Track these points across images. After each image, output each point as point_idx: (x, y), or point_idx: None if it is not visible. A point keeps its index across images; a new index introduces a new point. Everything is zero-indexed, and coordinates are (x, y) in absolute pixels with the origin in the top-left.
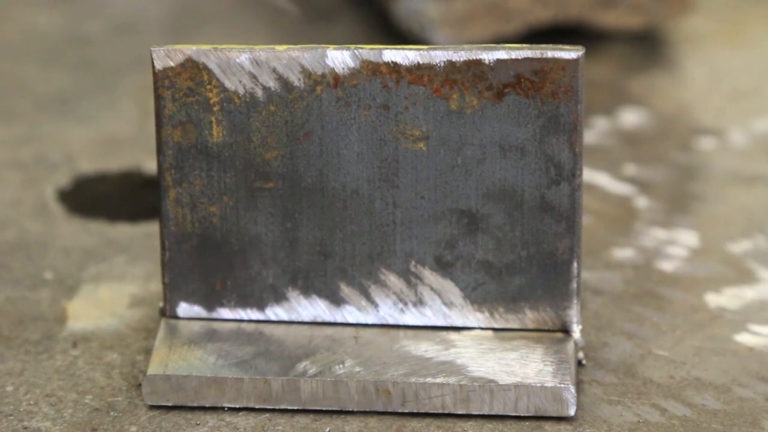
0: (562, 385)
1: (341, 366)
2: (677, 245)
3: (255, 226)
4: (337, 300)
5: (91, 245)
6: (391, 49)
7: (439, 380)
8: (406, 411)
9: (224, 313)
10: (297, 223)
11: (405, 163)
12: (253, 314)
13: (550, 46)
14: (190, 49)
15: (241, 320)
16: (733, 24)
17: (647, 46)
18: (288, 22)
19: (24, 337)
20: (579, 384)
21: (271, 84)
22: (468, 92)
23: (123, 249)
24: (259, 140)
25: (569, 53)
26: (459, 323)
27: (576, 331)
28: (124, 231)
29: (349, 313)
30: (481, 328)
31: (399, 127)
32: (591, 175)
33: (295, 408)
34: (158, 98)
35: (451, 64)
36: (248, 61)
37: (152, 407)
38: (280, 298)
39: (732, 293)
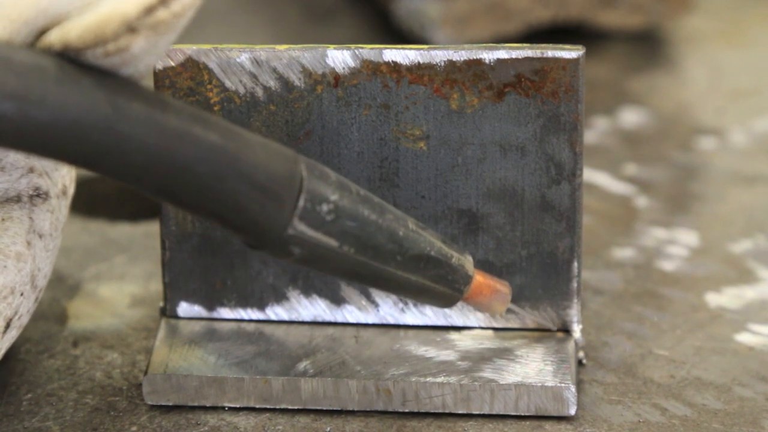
0: (563, 385)
1: (342, 366)
2: (677, 245)
3: None
4: (337, 299)
5: (91, 245)
6: (391, 48)
7: (439, 380)
8: (407, 410)
9: (225, 312)
10: None
11: (405, 163)
12: (253, 314)
13: (551, 45)
14: (190, 49)
15: (242, 320)
16: (733, 24)
17: (647, 46)
18: (288, 21)
19: (24, 336)
20: (579, 383)
21: (272, 84)
22: (468, 92)
23: (123, 248)
24: None
25: (569, 53)
26: (459, 323)
27: (576, 330)
28: (124, 231)
29: (350, 313)
30: (482, 328)
31: (399, 126)
32: (591, 175)
33: (296, 407)
34: None
35: (451, 63)
36: (248, 61)
37: (152, 407)
38: (280, 297)
39: (732, 293)
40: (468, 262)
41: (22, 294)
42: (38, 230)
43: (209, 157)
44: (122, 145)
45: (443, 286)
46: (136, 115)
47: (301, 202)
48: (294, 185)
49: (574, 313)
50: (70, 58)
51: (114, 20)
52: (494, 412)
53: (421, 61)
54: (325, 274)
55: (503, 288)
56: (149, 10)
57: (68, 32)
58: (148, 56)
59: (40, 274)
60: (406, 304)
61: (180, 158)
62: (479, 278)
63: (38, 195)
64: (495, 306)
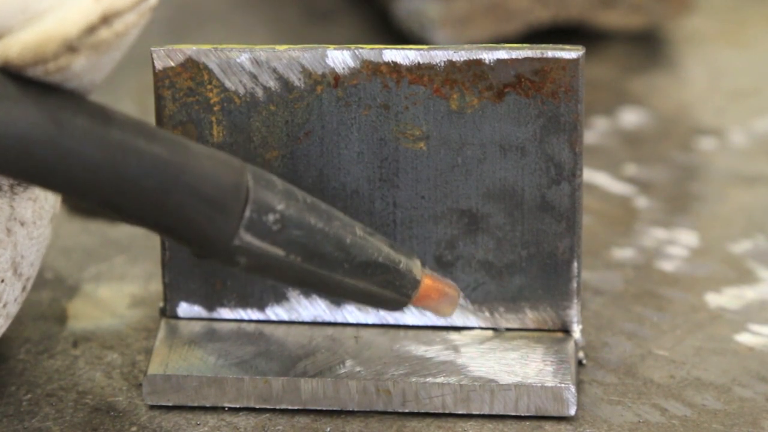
0: (563, 385)
1: (341, 366)
2: (677, 245)
3: None
4: (337, 300)
5: (91, 245)
6: (391, 48)
7: (439, 380)
8: (407, 411)
9: (224, 313)
10: None
11: (405, 163)
12: (253, 314)
13: (551, 46)
14: (190, 49)
15: (242, 320)
16: (733, 24)
17: (647, 46)
18: (288, 21)
19: (24, 337)
20: (579, 384)
21: (272, 84)
22: (468, 92)
23: (123, 249)
24: (259, 140)
25: (569, 53)
26: (459, 323)
27: (576, 330)
28: (124, 231)
29: (350, 313)
30: (482, 328)
31: (399, 126)
32: (591, 175)
33: (296, 408)
34: (158, 98)
35: (451, 63)
36: (248, 61)
37: (152, 407)
38: (280, 297)
39: (732, 293)
40: (416, 266)
41: (2, 281)
42: (19, 218)
43: (154, 170)
44: (66, 160)
45: (391, 291)
46: (79, 130)
47: (248, 213)
48: (240, 196)
49: (574, 314)
50: (12, 73)
51: (54, 40)
52: (494, 413)
53: (421, 62)
54: (273, 281)
55: (451, 291)
56: (91, 30)
57: (8, 48)
58: (91, 73)
59: (24, 262)
60: None
61: (125, 172)
62: (428, 282)
63: (19, 183)
64: (443, 309)
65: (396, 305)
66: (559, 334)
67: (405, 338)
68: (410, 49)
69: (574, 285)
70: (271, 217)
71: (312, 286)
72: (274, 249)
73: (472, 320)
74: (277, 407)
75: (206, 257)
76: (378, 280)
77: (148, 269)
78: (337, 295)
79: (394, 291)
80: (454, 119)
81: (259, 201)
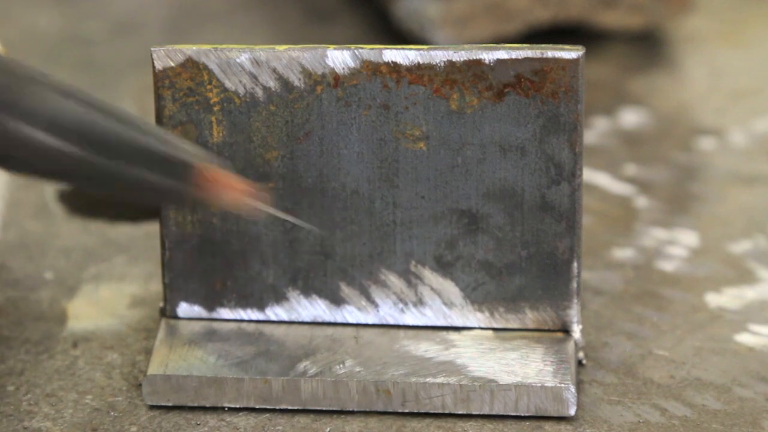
0: (563, 385)
1: (341, 366)
2: (677, 245)
3: (255, 227)
4: (337, 300)
5: (91, 245)
6: (391, 49)
7: (439, 380)
8: (407, 411)
9: (224, 313)
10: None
11: (405, 163)
12: (253, 314)
13: (550, 46)
14: (190, 49)
15: (242, 320)
16: (733, 24)
17: (647, 46)
18: (288, 21)
19: (24, 337)
20: (579, 384)
21: (272, 84)
22: (468, 92)
23: (123, 249)
24: (259, 140)
25: (569, 53)
26: (459, 323)
27: (576, 330)
28: (124, 231)
29: (350, 313)
30: (481, 328)
31: (399, 127)
32: (591, 175)
33: (296, 408)
34: (158, 98)
35: (451, 64)
36: (248, 61)
37: (152, 407)
38: (280, 298)
39: (732, 293)
40: (194, 155)
41: None
42: None
43: None
44: None
45: (167, 178)
46: None
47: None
48: None
49: (573, 314)
50: None
51: None
52: (494, 413)
53: (420, 62)
54: (46, 178)
55: (237, 183)
56: None
57: None
58: None
59: None
60: (405, 304)
61: None
62: (205, 169)
63: None
64: (225, 199)
65: (174, 195)
66: (559, 334)
67: (405, 338)
68: (410, 49)
69: (574, 285)
70: (28, 101)
71: (86, 178)
72: (31, 132)
73: (472, 320)
74: (277, 407)
75: None
76: (152, 165)
77: (148, 269)
78: (111, 187)
79: (170, 177)
80: (454, 119)
81: (9, 86)
